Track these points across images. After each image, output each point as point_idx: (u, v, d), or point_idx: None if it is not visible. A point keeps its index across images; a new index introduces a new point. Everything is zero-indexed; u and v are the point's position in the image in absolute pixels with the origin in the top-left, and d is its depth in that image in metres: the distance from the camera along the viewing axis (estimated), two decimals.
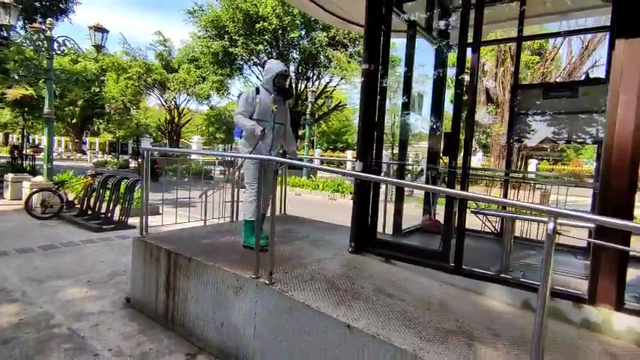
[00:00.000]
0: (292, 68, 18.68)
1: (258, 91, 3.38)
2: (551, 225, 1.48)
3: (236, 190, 4.48)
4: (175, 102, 24.12)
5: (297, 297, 2.32)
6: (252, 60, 18.17)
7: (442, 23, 3.99)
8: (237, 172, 4.61)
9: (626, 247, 2.16)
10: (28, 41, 8.96)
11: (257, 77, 19.73)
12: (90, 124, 36.13)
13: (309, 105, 15.96)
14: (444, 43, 4.19)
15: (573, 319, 2.40)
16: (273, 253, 2.49)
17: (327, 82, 19.12)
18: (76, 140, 37.26)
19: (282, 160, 2.80)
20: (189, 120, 26.99)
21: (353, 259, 3.21)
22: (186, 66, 19.54)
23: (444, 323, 2.20)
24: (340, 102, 22.20)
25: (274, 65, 3.43)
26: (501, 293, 2.67)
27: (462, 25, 2.94)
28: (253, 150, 3.27)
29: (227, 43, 16.38)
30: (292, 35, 15.80)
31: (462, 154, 2.93)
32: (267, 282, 2.46)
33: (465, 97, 2.86)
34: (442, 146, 3.23)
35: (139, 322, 3.21)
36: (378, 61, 3.30)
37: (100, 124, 34.23)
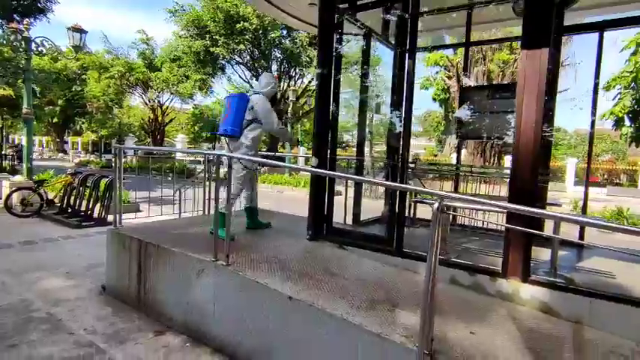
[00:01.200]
0: (274, 67, 18.94)
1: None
2: (436, 205, 1.84)
3: (207, 186, 4.75)
4: (159, 101, 24.08)
5: (249, 275, 2.65)
6: (235, 59, 18.34)
7: (394, 30, 4.34)
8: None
9: (520, 228, 2.55)
10: (5, 41, 9.03)
11: (240, 76, 19.94)
12: (72, 123, 35.67)
13: (291, 104, 16.24)
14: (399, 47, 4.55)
15: (489, 290, 2.78)
16: (229, 239, 2.81)
17: (309, 81, 19.42)
18: (58, 140, 36.77)
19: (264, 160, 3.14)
20: (172, 119, 26.94)
21: (309, 245, 3.55)
22: (167, 65, 19.58)
23: (375, 295, 2.56)
24: None
25: (275, 81, 4.04)
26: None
27: (404, 33, 3.31)
28: (255, 153, 3.79)
29: (208, 42, 16.52)
30: (273, 35, 16.06)
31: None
32: (224, 264, 2.78)
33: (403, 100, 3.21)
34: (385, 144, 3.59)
35: (113, 307, 3.49)
36: (331, 66, 3.64)
37: (83, 123, 33.84)
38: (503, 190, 5.81)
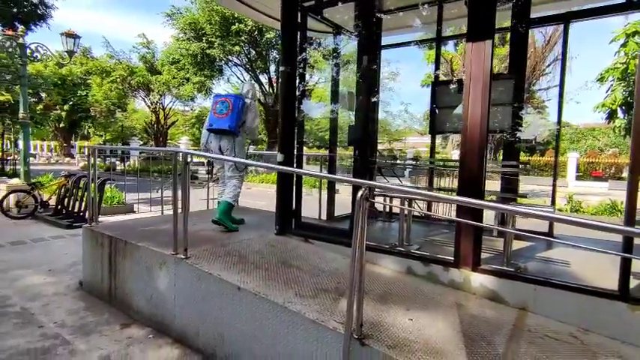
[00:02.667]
0: (272, 68, 19.05)
1: None
2: (360, 192, 1.90)
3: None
4: (161, 103, 24.38)
5: (205, 268, 2.73)
6: (232, 61, 18.50)
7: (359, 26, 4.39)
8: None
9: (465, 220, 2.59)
10: (1, 48, 9.26)
11: (238, 78, 20.08)
12: (78, 127, 36.22)
13: None
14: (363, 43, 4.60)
15: (442, 280, 2.83)
16: (187, 232, 2.89)
17: (307, 81, 19.48)
18: (65, 144, 37.34)
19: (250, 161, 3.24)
20: (175, 121, 27.22)
21: (275, 239, 3.63)
22: (167, 68, 19.82)
23: (324, 285, 2.62)
24: (321, 100, 22.63)
25: (255, 89, 4.38)
26: (392, 262, 3.09)
27: (364, 31, 3.37)
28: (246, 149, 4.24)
29: (205, 44, 16.70)
30: (269, 36, 16.17)
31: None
32: (182, 257, 2.87)
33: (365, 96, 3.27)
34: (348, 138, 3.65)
35: (86, 301, 3.61)
36: (295, 64, 3.71)
37: (89, 127, 34.36)
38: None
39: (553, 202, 4.08)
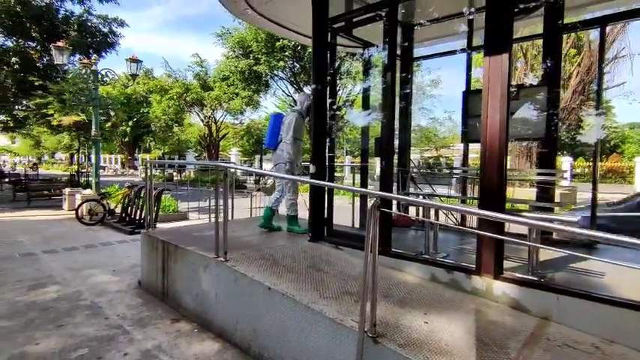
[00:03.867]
0: None
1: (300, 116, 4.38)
2: (371, 201, 2.09)
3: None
4: (214, 117, 25.98)
5: (241, 270, 3.04)
6: (277, 75, 19.33)
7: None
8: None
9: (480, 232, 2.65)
10: (78, 75, 10.62)
11: (283, 91, 20.89)
12: (141, 141, 39.55)
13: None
14: (399, 57, 4.76)
15: (465, 287, 2.90)
16: (227, 238, 3.23)
17: (350, 91, 19.84)
18: (129, 157, 40.88)
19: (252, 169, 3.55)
20: (226, 134, 28.78)
21: (308, 245, 3.87)
22: (218, 84, 21.18)
23: (348, 288, 2.81)
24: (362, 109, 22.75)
25: (306, 97, 4.40)
26: (417, 269, 3.20)
27: (389, 46, 3.55)
28: (294, 164, 4.30)
29: (252, 61, 17.67)
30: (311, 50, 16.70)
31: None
32: (222, 260, 3.20)
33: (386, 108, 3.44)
34: (375, 149, 3.82)
35: (143, 298, 4.09)
36: (325, 82, 3.98)
37: (151, 141, 37.38)
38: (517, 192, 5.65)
39: (593, 211, 3.92)
